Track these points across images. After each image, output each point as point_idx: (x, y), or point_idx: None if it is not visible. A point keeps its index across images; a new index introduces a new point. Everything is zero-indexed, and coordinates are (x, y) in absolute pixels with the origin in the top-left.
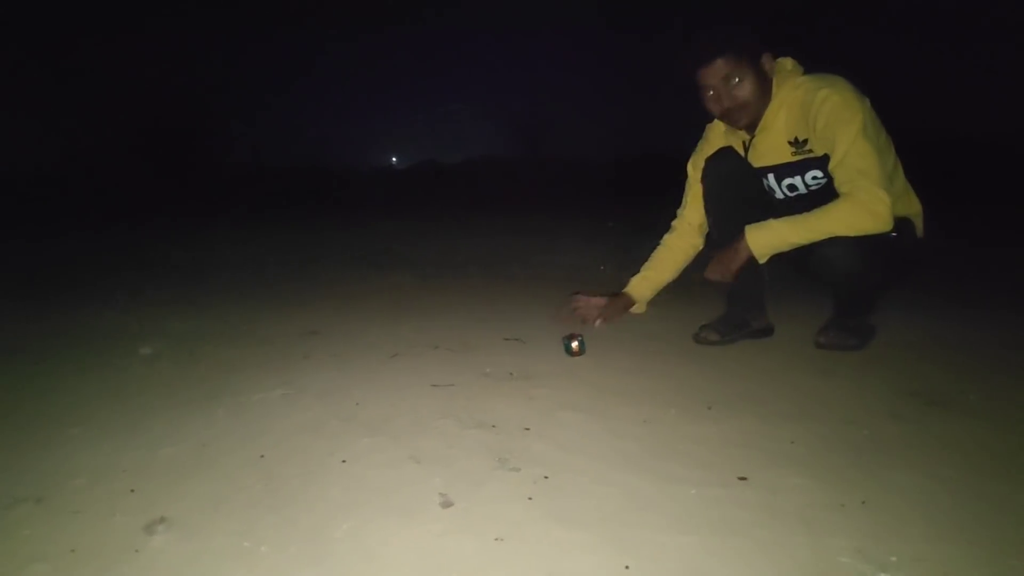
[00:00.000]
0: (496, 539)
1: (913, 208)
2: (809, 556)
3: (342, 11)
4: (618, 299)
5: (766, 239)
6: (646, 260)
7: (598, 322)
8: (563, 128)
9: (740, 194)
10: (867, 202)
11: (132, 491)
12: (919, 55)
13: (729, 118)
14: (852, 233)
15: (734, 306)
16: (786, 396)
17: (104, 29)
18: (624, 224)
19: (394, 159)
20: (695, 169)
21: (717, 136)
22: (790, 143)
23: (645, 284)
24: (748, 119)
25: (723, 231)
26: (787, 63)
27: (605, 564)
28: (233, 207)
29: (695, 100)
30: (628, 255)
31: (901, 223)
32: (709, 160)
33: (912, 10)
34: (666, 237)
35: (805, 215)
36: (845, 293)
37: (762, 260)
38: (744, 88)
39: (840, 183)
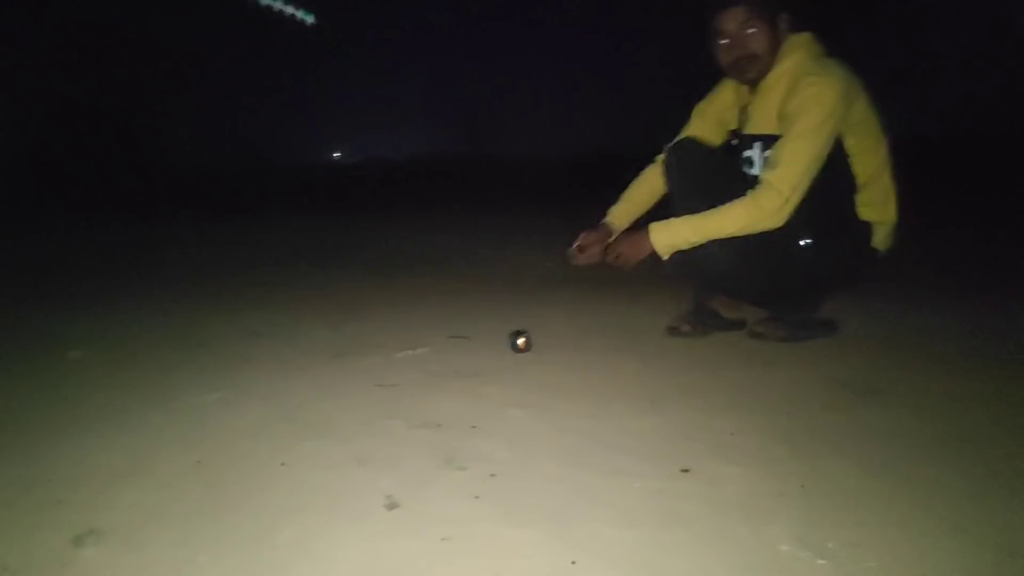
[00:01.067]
0: (443, 539)
1: (884, 215)
2: (751, 545)
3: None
4: (602, 230)
5: (667, 238)
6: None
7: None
8: (511, 126)
9: (706, 175)
10: (763, 200)
11: (59, 502)
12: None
13: (737, 68)
14: (746, 231)
15: (703, 297)
16: (726, 389)
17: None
18: (569, 221)
19: (337, 154)
20: (697, 112)
21: (726, 92)
22: (779, 116)
23: (623, 216)
24: (755, 72)
25: (683, 207)
26: (805, 36)
27: (552, 561)
28: (170, 206)
29: (651, 97)
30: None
31: (855, 226)
32: (676, 144)
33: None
34: (647, 169)
35: (704, 215)
36: (756, 298)
37: (665, 257)
38: (758, 39)
39: (768, 164)
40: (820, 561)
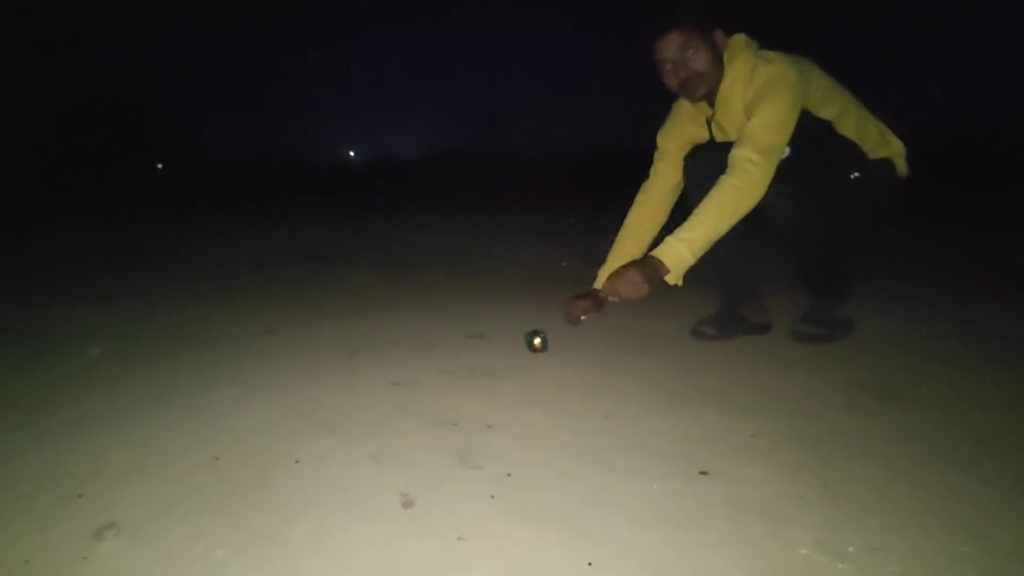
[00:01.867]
0: (458, 538)
1: (893, 149)
2: (770, 548)
3: (308, 9)
4: (595, 298)
5: (675, 265)
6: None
7: (583, 318)
8: (524, 124)
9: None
10: (741, 176)
11: (80, 496)
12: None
13: (686, 89)
14: (740, 214)
15: (730, 301)
16: (746, 391)
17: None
18: (585, 220)
19: (352, 153)
20: (664, 140)
21: (685, 111)
22: (747, 117)
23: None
24: (704, 89)
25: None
26: (740, 38)
27: (568, 561)
28: (187, 203)
29: (657, 94)
30: (587, 253)
31: (878, 164)
32: (688, 158)
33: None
34: (630, 214)
35: (694, 223)
36: (820, 244)
37: (678, 282)
38: (699, 59)
39: (735, 147)
40: (840, 565)
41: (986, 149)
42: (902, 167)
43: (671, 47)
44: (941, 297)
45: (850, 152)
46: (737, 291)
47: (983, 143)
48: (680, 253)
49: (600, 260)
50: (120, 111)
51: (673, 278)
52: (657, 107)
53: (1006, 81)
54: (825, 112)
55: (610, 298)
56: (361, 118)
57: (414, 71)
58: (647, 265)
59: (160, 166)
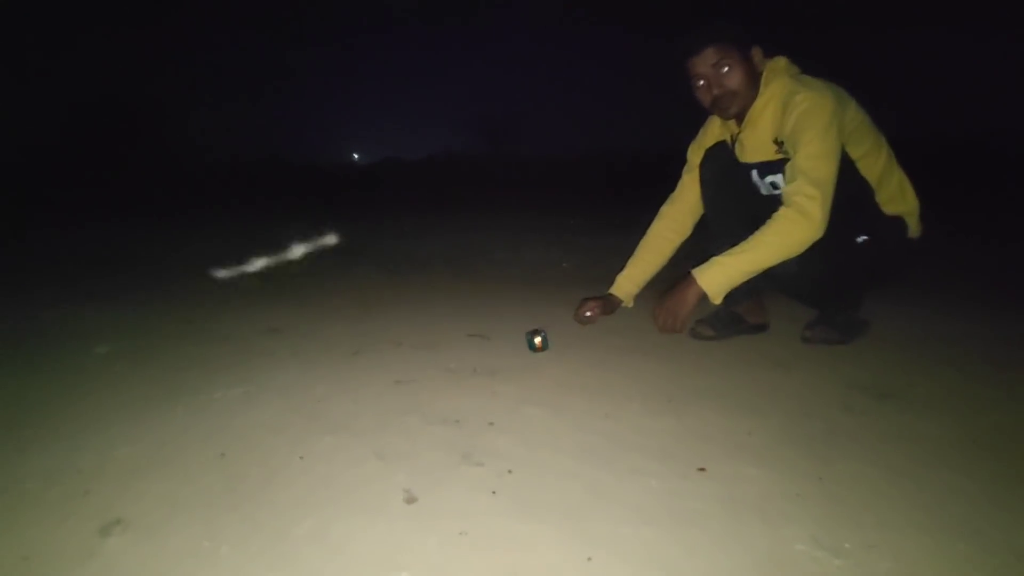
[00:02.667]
0: (460, 534)
1: (907, 205)
2: (767, 545)
3: (311, 10)
4: (607, 301)
5: (720, 281)
6: (628, 254)
7: (587, 314)
8: (526, 126)
9: (734, 188)
10: (799, 213)
11: (87, 493)
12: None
13: (718, 106)
14: (795, 250)
15: (727, 302)
16: (744, 390)
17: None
18: (586, 221)
19: (356, 155)
20: (693, 155)
21: (714, 127)
22: (774, 141)
23: (629, 283)
24: (736, 108)
25: (719, 224)
26: (781, 61)
27: (568, 557)
28: (192, 204)
29: (661, 97)
30: (589, 253)
31: (889, 222)
32: (707, 152)
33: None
34: (653, 225)
35: (750, 246)
36: (818, 301)
37: (717, 300)
38: (733, 76)
39: (786, 182)
40: (836, 561)
41: (975, 153)
42: (914, 226)
43: (706, 63)
44: (939, 298)
45: (862, 205)
46: (735, 291)
47: (970, 146)
48: (730, 270)
49: (600, 261)
50: (124, 111)
51: (714, 298)
52: (658, 109)
53: (993, 85)
54: (852, 148)
55: (658, 327)
56: (365, 119)
57: (416, 71)
58: (688, 287)
59: (163, 167)
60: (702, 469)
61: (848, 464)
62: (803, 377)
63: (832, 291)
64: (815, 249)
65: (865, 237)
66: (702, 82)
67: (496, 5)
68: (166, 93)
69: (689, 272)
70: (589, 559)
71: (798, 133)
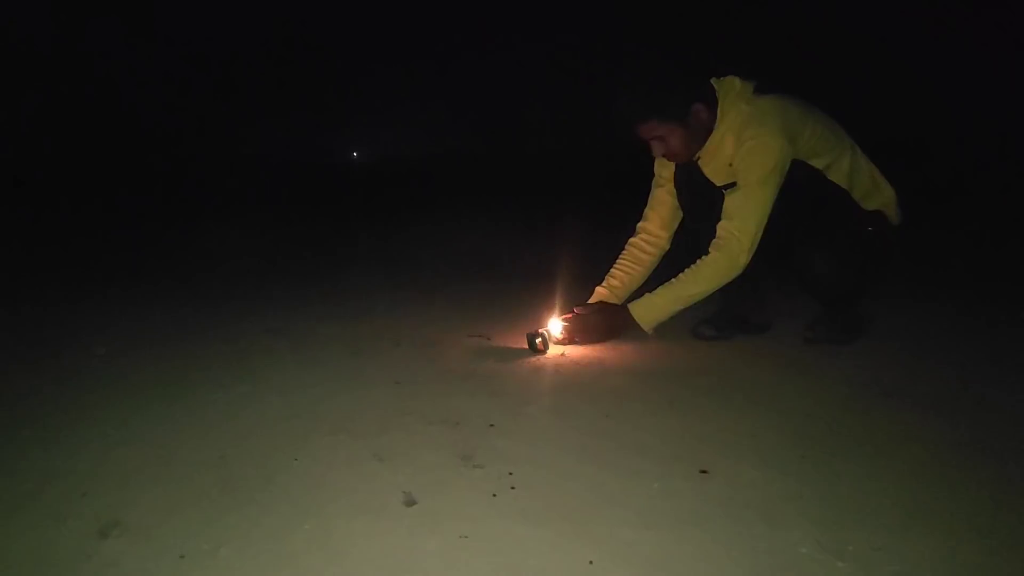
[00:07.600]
0: (460, 536)
1: (883, 197)
2: (770, 547)
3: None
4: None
5: (650, 316)
6: (614, 259)
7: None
8: (529, 125)
9: (707, 199)
10: (725, 254)
11: (84, 494)
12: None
13: (669, 159)
14: (717, 286)
15: (729, 301)
16: (746, 390)
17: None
18: (587, 221)
19: (355, 153)
20: (659, 166)
21: None
22: (730, 165)
23: (610, 295)
24: (686, 158)
25: (697, 226)
26: (734, 85)
27: (569, 560)
28: (192, 204)
29: None
30: (589, 254)
31: (874, 216)
32: (678, 168)
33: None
34: (629, 245)
35: (677, 283)
36: (830, 296)
37: (650, 332)
38: (673, 143)
39: (723, 212)
40: (840, 564)
41: (965, 153)
42: (894, 215)
43: (647, 133)
44: (940, 298)
45: (846, 206)
46: (736, 292)
47: (958, 147)
48: (660, 307)
49: (600, 261)
50: (131, 110)
51: (645, 330)
52: None
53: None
54: (817, 160)
55: (570, 340)
56: (362, 116)
57: (415, 68)
58: (618, 315)
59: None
60: (704, 471)
61: (851, 465)
62: (805, 377)
63: (855, 281)
64: (848, 245)
65: (871, 228)
66: (648, 142)
67: (496, 6)
68: (164, 91)
69: (625, 309)
70: (590, 562)
71: (742, 172)
